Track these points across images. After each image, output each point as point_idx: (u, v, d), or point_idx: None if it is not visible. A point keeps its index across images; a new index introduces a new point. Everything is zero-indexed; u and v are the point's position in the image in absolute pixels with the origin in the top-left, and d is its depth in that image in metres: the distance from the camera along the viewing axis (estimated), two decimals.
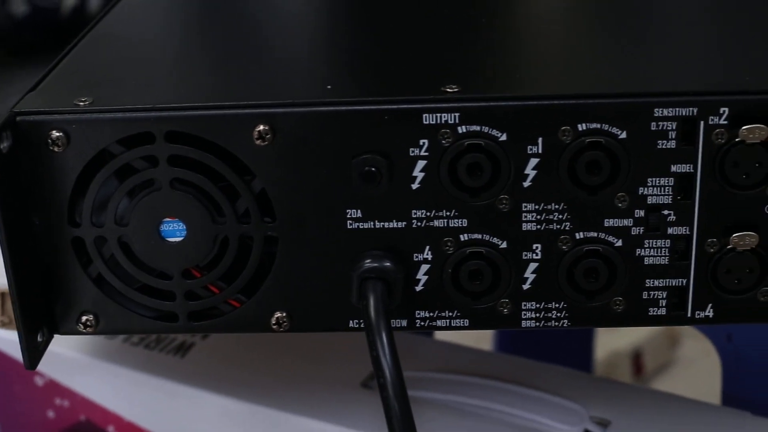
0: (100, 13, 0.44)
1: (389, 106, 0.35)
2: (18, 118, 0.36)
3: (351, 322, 0.38)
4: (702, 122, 0.35)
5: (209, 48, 0.40)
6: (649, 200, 0.36)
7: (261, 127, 0.35)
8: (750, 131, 0.35)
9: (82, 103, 0.36)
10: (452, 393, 0.45)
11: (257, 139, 0.36)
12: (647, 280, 0.37)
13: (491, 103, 0.35)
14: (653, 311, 0.37)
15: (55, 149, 0.36)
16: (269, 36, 0.41)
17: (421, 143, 0.36)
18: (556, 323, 0.38)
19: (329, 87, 0.36)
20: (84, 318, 0.38)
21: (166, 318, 0.38)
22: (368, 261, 0.37)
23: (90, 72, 0.39)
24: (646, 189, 0.36)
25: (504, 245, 0.37)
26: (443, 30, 0.40)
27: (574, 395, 0.47)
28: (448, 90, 0.35)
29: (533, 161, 0.36)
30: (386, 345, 0.35)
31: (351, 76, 0.37)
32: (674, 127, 0.35)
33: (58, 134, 0.36)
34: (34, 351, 0.37)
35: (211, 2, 0.44)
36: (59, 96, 0.37)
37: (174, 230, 0.37)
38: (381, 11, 0.43)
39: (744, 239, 0.36)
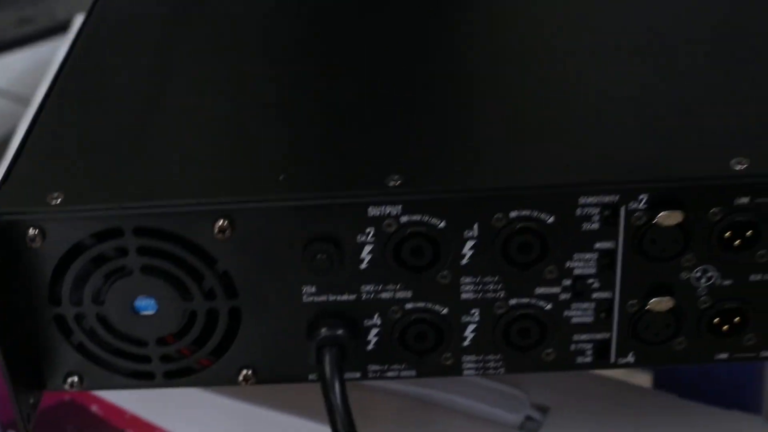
0: (51, 82, 0.46)
1: (337, 200, 0.39)
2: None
3: (310, 376, 0.42)
4: (623, 207, 0.39)
5: (165, 131, 0.43)
6: (576, 271, 0.40)
7: (220, 222, 0.39)
8: (666, 216, 0.39)
9: (54, 201, 0.39)
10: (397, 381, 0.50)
11: (218, 232, 0.39)
12: (575, 335, 0.41)
13: (430, 196, 0.39)
14: (580, 360, 0.42)
15: (32, 244, 0.39)
16: (222, 117, 0.44)
17: (367, 231, 0.39)
18: (494, 371, 0.42)
19: (281, 178, 0.39)
20: (69, 379, 0.42)
21: (144, 377, 0.42)
22: (323, 329, 0.41)
23: (55, 161, 0.41)
24: (572, 263, 0.40)
25: (445, 311, 0.41)
26: (388, 112, 0.43)
27: (516, 382, 0.51)
28: (391, 184, 0.39)
29: (470, 243, 0.39)
30: (339, 401, 0.40)
31: (300, 166, 0.40)
32: (597, 212, 0.39)
33: (34, 231, 0.39)
34: (27, 412, 0.41)
35: (161, 85, 0.46)
36: (31, 191, 0.40)
37: (147, 305, 0.41)
38: (326, 89, 0.45)
39: (661, 303, 0.40)
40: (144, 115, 0.44)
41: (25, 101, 0.92)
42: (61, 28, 0.94)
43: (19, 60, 0.93)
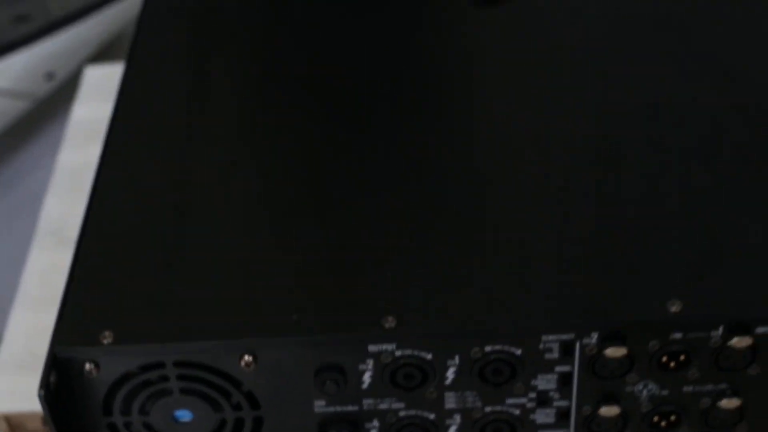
0: (88, 202, 0.54)
1: (342, 339, 0.47)
2: (58, 356, 0.47)
3: None
4: (578, 342, 0.47)
5: (193, 266, 0.51)
6: (539, 387, 0.48)
7: (246, 357, 0.47)
8: (613, 351, 0.47)
9: (105, 341, 0.47)
10: None
11: (244, 365, 0.47)
12: (539, 431, 0.50)
13: (420, 335, 0.47)
14: None
15: (88, 375, 0.47)
16: (240, 251, 0.51)
17: (367, 362, 0.47)
18: None
19: (294, 317, 0.47)
20: None
21: None
22: None
23: (102, 298, 0.49)
24: (536, 381, 0.48)
25: (432, 417, 0.49)
26: (380, 255, 0.50)
27: None
28: (386, 326, 0.47)
29: (452, 369, 0.48)
30: None
31: (309, 306, 0.48)
32: (557, 346, 0.47)
33: (90, 366, 0.47)
34: None
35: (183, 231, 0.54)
36: (85, 330, 0.48)
37: (184, 415, 0.49)
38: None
39: (609, 410, 0.49)
40: (173, 247, 0.51)
41: (23, 97, 0.98)
42: (57, 24, 0.98)
43: (18, 58, 0.97)
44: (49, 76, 0.99)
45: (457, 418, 0.49)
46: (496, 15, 0.63)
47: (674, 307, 0.47)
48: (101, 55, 1.07)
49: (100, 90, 0.71)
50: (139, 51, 0.65)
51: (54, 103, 1.04)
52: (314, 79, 0.61)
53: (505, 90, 0.59)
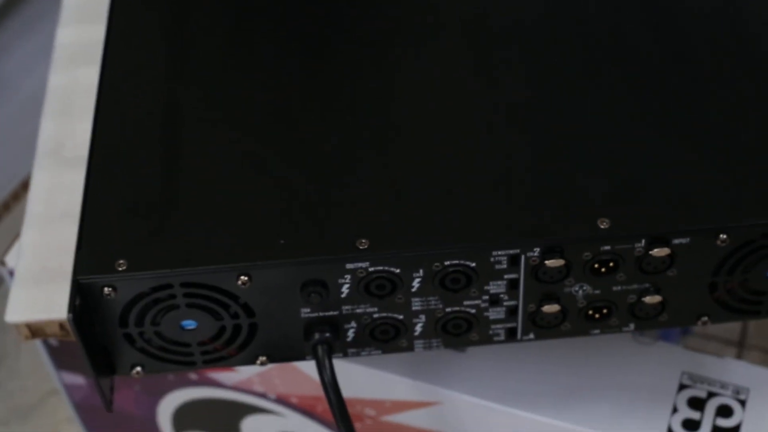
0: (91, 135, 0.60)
1: (323, 258, 0.55)
2: (81, 282, 0.55)
3: (307, 357, 0.60)
4: (522, 256, 0.56)
5: (195, 195, 0.58)
6: (491, 291, 0.57)
7: (242, 278, 0.55)
8: (553, 262, 0.56)
9: (120, 268, 0.55)
10: None
11: (240, 284, 0.55)
12: (492, 326, 0.59)
13: (389, 254, 0.55)
14: (496, 339, 0.60)
15: (107, 296, 0.55)
16: (235, 184, 0.59)
17: (345, 276, 0.56)
18: (436, 347, 0.60)
19: (282, 242, 0.55)
20: (134, 369, 0.59)
21: (188, 364, 0.59)
22: (316, 334, 0.58)
23: (114, 230, 0.57)
24: (488, 286, 0.57)
25: (401, 317, 0.58)
26: (354, 179, 0.58)
27: None
28: (361, 247, 0.55)
29: (417, 280, 0.56)
30: (330, 377, 0.58)
31: (295, 231, 0.56)
32: (505, 258, 0.56)
33: (108, 289, 0.55)
34: (107, 394, 0.59)
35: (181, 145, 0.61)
36: (102, 259, 0.55)
37: (190, 324, 0.57)
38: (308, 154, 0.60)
39: (551, 307, 0.58)
40: (174, 176, 0.59)
41: None
42: None
43: None
44: None
45: (422, 317, 0.58)
46: None
47: (603, 225, 0.55)
48: None
49: (81, 13, 0.76)
50: None
51: None
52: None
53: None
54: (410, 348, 0.60)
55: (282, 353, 0.59)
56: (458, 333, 0.59)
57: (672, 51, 0.64)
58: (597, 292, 0.58)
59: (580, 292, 0.58)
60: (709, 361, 0.67)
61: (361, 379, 0.69)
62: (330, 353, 0.58)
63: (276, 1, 0.69)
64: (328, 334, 0.58)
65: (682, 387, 0.66)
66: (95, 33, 0.70)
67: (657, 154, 0.59)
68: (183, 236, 0.56)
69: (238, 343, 0.58)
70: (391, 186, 0.58)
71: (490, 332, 0.59)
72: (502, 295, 0.58)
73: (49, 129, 0.71)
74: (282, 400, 0.73)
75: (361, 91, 0.63)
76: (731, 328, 1.01)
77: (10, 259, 0.74)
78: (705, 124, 0.60)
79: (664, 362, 0.67)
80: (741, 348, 1.00)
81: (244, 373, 0.72)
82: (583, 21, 0.66)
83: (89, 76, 0.67)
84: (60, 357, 0.78)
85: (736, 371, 0.67)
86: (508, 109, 0.61)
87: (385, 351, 0.60)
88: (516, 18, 0.66)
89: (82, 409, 0.83)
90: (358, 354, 0.60)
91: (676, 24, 0.65)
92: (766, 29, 0.65)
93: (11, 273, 0.74)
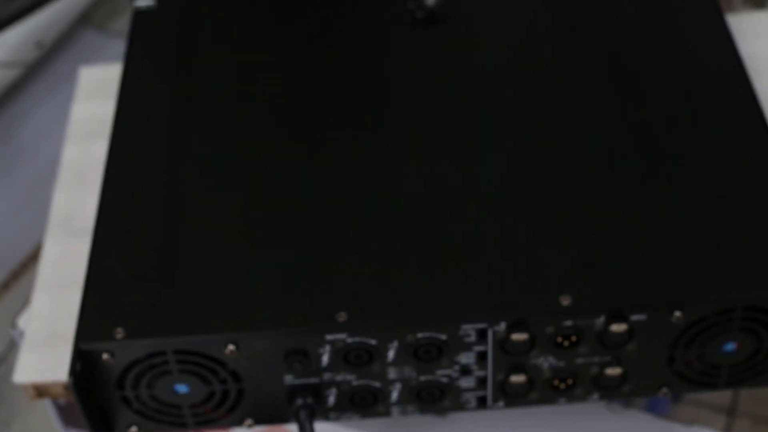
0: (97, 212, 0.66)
1: (305, 332, 0.60)
2: (81, 348, 0.59)
3: (290, 420, 0.64)
4: (490, 330, 0.60)
5: (189, 271, 0.63)
6: (462, 362, 0.61)
7: (230, 346, 0.60)
8: (517, 335, 0.60)
9: (118, 336, 0.59)
10: None
11: (228, 352, 0.60)
12: (463, 394, 0.63)
13: (366, 327, 0.59)
14: (468, 406, 0.64)
15: (105, 362, 0.60)
16: (225, 256, 0.63)
17: (325, 346, 0.60)
18: (412, 413, 0.64)
19: (268, 315, 0.60)
20: (130, 429, 0.63)
21: (180, 425, 0.64)
22: (299, 399, 0.62)
23: (114, 300, 0.61)
24: (459, 357, 0.61)
25: (378, 385, 0.62)
26: (334, 253, 0.63)
27: None
28: (340, 320, 0.59)
29: (392, 350, 0.60)
30: None
31: (280, 304, 0.60)
32: (474, 332, 0.60)
33: (106, 356, 0.60)
34: None
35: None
36: (101, 328, 0.60)
37: (182, 387, 0.62)
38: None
39: (518, 378, 0.62)
40: (171, 249, 0.63)
41: (16, 66, 1.09)
42: None
43: (11, 32, 1.07)
44: (39, 44, 1.10)
45: (398, 385, 0.62)
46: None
47: (565, 302, 0.59)
48: (83, 17, 1.18)
49: (95, 90, 0.82)
50: (133, 57, 0.76)
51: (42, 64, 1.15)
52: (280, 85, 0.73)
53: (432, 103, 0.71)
54: (387, 413, 0.64)
55: (267, 416, 0.64)
56: (432, 400, 0.63)
57: (637, 133, 0.68)
58: (561, 363, 0.62)
59: (546, 363, 0.62)
60: (678, 431, 0.71)
61: None
62: (312, 417, 0.62)
63: (277, 78, 0.74)
64: (310, 400, 0.62)
65: None
66: (108, 109, 0.75)
67: (619, 232, 0.63)
68: (177, 307, 0.61)
69: (227, 406, 0.63)
70: (371, 262, 0.62)
71: (462, 400, 0.63)
72: (471, 366, 0.62)
73: (60, 200, 0.76)
74: None
75: (349, 169, 0.68)
76: (723, 395, 1.04)
77: (22, 322, 0.79)
78: (662, 205, 0.64)
79: (634, 430, 0.71)
80: (731, 416, 1.03)
81: None
82: (552, 95, 0.71)
83: (101, 150, 0.72)
84: (67, 415, 0.82)
85: None
86: (478, 186, 0.66)
87: (363, 416, 0.64)
88: (493, 91, 0.71)
89: None
90: (338, 418, 0.64)
91: (644, 101, 0.70)
92: (731, 109, 0.69)
93: (22, 335, 0.79)
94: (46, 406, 0.84)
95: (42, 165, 1.08)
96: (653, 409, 0.92)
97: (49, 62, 1.18)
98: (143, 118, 0.73)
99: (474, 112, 0.70)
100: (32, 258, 1.08)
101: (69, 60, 1.18)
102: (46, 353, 0.68)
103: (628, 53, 0.73)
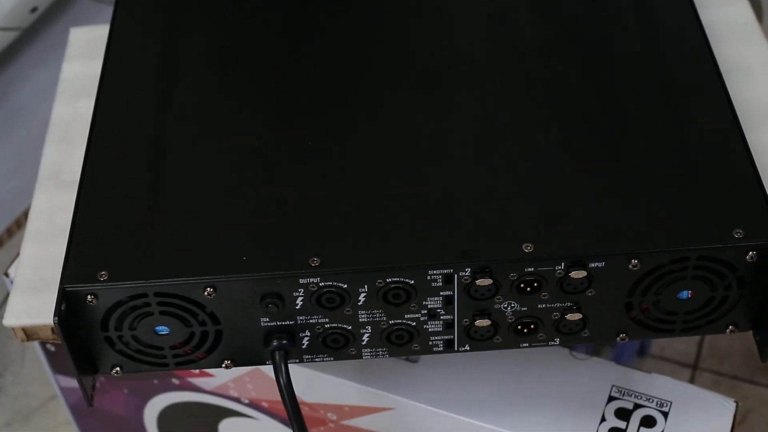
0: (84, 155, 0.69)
1: (280, 276, 0.63)
2: (67, 290, 0.62)
3: (267, 362, 0.67)
4: (455, 275, 0.63)
5: (170, 216, 0.66)
6: (429, 306, 0.65)
7: (208, 289, 0.63)
8: (482, 281, 0.63)
9: (102, 278, 0.62)
10: None
11: (207, 295, 0.63)
12: (431, 338, 0.66)
13: (338, 271, 0.63)
14: (435, 349, 0.67)
15: (90, 303, 0.63)
16: (205, 206, 0.66)
17: (299, 290, 0.63)
18: (382, 355, 0.67)
19: (244, 259, 0.63)
20: (114, 369, 0.67)
21: (162, 366, 0.67)
22: (274, 341, 0.65)
23: (98, 244, 0.64)
24: (426, 302, 0.64)
25: (349, 327, 0.65)
26: (309, 202, 0.66)
27: None
28: (313, 264, 0.62)
29: (362, 293, 0.64)
30: (285, 381, 0.65)
31: (256, 249, 0.63)
32: (440, 276, 0.63)
33: (90, 297, 0.63)
34: (89, 390, 0.66)
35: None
36: (86, 270, 0.63)
37: (163, 329, 0.65)
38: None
39: (483, 321, 0.65)
40: (153, 198, 0.66)
41: (12, 30, 1.11)
42: None
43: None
44: (33, 9, 1.12)
45: (369, 328, 0.66)
46: None
47: (527, 248, 0.62)
48: None
49: (84, 50, 0.85)
50: (119, 17, 0.79)
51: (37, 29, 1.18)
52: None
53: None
54: (359, 356, 0.67)
55: (245, 358, 0.67)
56: (401, 343, 0.66)
57: (602, 97, 0.71)
58: (524, 309, 0.65)
59: (509, 308, 0.65)
60: (638, 376, 0.74)
61: (324, 385, 0.76)
62: (286, 359, 0.66)
63: (257, 44, 0.77)
64: (284, 342, 0.65)
65: (611, 399, 0.73)
66: (97, 68, 0.78)
67: (582, 187, 0.66)
68: (158, 251, 0.64)
69: (206, 347, 0.66)
70: (344, 210, 0.65)
71: (430, 343, 0.67)
72: (439, 310, 0.65)
73: (49, 155, 0.79)
74: (254, 404, 0.80)
75: (325, 123, 0.71)
76: (686, 352, 1.08)
77: (12, 271, 0.82)
78: (624, 162, 0.67)
79: (596, 376, 0.74)
80: (694, 370, 1.06)
81: (220, 378, 0.80)
82: (522, 63, 0.74)
83: (89, 108, 0.75)
84: (57, 362, 0.86)
85: (661, 385, 0.74)
86: (450, 144, 0.69)
87: (336, 358, 0.67)
88: (468, 61, 0.74)
89: (76, 410, 0.90)
90: (312, 360, 0.67)
91: (611, 69, 0.73)
92: (686, 79, 0.72)
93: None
94: (38, 355, 0.88)
95: (37, 126, 1.11)
96: (618, 360, 0.95)
97: (44, 27, 1.20)
98: (128, 75, 0.76)
99: (449, 78, 0.73)
100: (26, 215, 1.11)
101: (64, 25, 1.21)
102: (35, 298, 0.71)
103: (597, 28, 0.76)
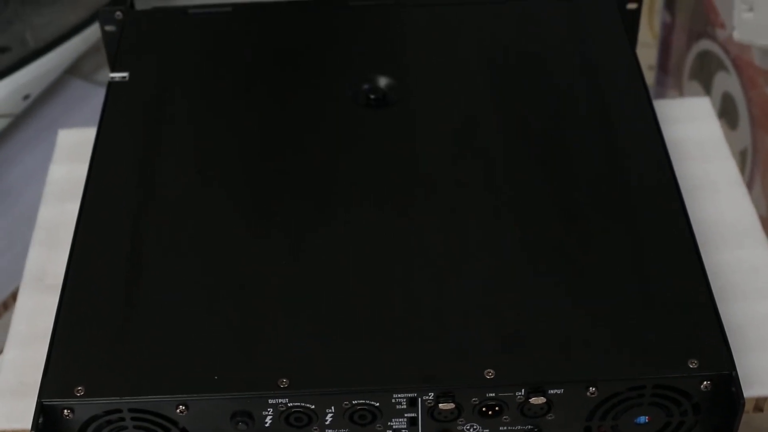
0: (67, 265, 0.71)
1: (249, 396, 0.65)
2: (44, 404, 0.65)
3: None
4: (420, 398, 0.65)
5: (143, 334, 0.68)
6: (394, 426, 0.67)
7: (180, 407, 0.65)
8: (444, 405, 0.65)
9: (78, 393, 0.65)
10: None
11: (179, 412, 0.65)
12: None
13: (305, 393, 0.65)
14: None
15: (66, 417, 0.65)
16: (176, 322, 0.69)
17: (268, 409, 0.66)
18: None
19: (216, 378, 0.65)
20: None
21: None
22: None
23: (76, 359, 0.67)
24: (391, 422, 0.67)
25: None
26: (276, 323, 0.68)
27: None
28: (281, 386, 0.65)
29: (329, 414, 0.66)
30: None
31: (227, 369, 0.66)
32: (404, 400, 0.65)
33: (67, 411, 0.65)
34: None
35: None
36: (64, 384, 0.65)
37: None
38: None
39: None
40: (129, 312, 0.69)
41: (4, 117, 1.14)
42: (35, 54, 1.14)
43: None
44: (26, 97, 1.15)
45: None
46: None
47: (489, 375, 0.65)
48: (69, 70, 1.23)
49: (72, 152, 0.88)
50: (106, 124, 0.82)
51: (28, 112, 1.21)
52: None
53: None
54: None
55: None
56: None
57: (565, 217, 0.74)
58: (486, 430, 0.67)
59: (472, 430, 0.67)
60: None
61: None
62: None
63: (232, 151, 0.80)
64: None
65: None
66: (84, 171, 0.81)
67: (541, 310, 0.68)
68: (133, 367, 0.66)
69: None
70: (312, 331, 0.68)
71: None
72: (403, 430, 0.67)
73: (34, 258, 0.82)
74: None
75: (295, 240, 0.73)
76: None
77: None
78: (585, 287, 0.70)
79: None
80: None
81: None
82: (489, 172, 0.77)
83: (75, 211, 0.78)
84: None
85: None
86: (417, 265, 0.72)
87: None
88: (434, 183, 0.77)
89: None
90: None
91: (572, 190, 0.76)
92: (646, 195, 0.75)
93: None
94: None
95: (25, 208, 1.14)
96: None
97: (35, 109, 1.23)
98: (112, 181, 0.78)
99: (414, 192, 0.76)
100: (13, 297, 1.13)
101: (54, 106, 1.24)
102: (15, 403, 0.73)
103: (564, 145, 0.79)
